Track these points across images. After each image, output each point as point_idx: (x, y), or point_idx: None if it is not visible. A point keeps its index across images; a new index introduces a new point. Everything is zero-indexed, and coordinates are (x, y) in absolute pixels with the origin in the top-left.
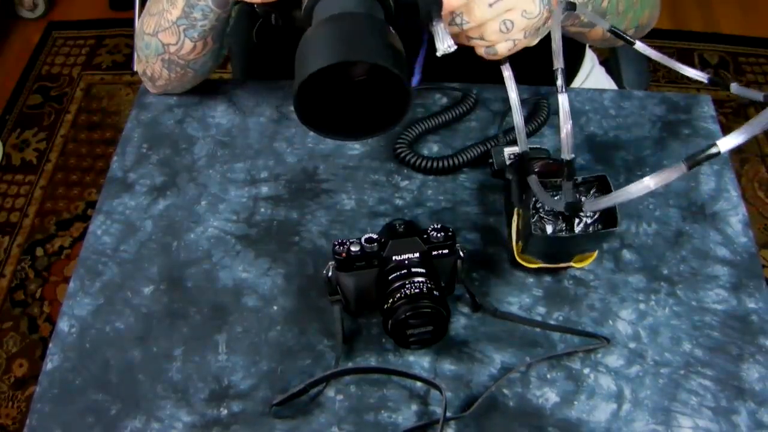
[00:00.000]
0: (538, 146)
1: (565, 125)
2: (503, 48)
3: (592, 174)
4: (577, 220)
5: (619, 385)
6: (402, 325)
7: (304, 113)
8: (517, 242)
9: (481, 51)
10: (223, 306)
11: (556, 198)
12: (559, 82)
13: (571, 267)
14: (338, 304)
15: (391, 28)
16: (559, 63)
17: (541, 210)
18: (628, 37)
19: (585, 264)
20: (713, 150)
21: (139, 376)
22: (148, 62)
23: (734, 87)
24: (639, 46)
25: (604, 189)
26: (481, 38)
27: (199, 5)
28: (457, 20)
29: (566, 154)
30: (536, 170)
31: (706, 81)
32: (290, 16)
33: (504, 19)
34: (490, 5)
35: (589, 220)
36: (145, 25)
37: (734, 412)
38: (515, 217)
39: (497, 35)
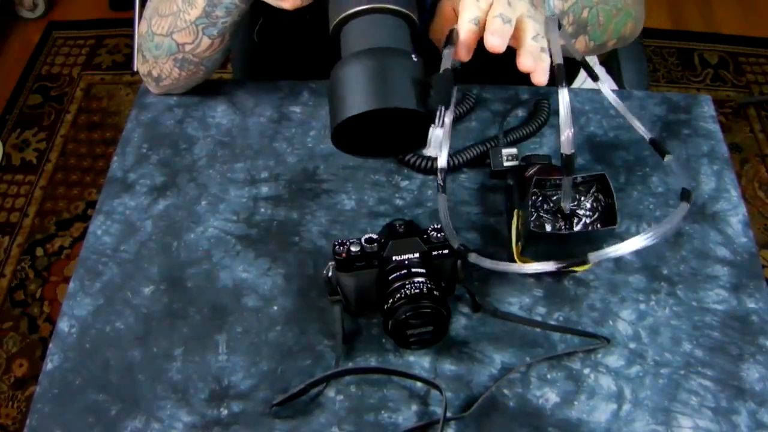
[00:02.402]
0: (538, 153)
1: (566, 123)
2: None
3: (592, 173)
4: (576, 219)
5: (619, 385)
6: (402, 325)
7: (341, 141)
8: (516, 243)
9: (546, 58)
10: (223, 306)
11: (555, 197)
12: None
13: (574, 271)
14: (338, 304)
15: (414, 57)
16: (558, 59)
17: (540, 209)
18: (594, 72)
19: (586, 267)
20: (582, 258)
21: (139, 376)
22: (156, 62)
23: (668, 158)
24: (604, 89)
25: (604, 188)
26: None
27: (223, 3)
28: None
29: (566, 150)
30: (533, 173)
31: (647, 139)
32: (324, 9)
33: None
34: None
35: (588, 220)
36: (155, 26)
37: (734, 412)
38: (515, 219)
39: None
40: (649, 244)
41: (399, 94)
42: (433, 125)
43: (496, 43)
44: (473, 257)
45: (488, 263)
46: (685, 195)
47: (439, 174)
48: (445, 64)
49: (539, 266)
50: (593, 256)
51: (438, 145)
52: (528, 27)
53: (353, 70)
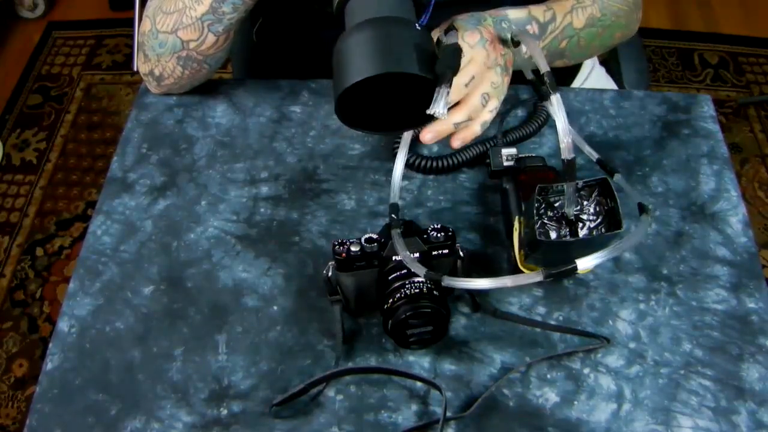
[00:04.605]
0: (532, 155)
1: (564, 128)
2: (490, 117)
3: (593, 175)
4: (580, 225)
5: (619, 385)
6: (402, 325)
7: (345, 114)
8: (519, 251)
9: (476, 129)
10: (223, 306)
11: (557, 203)
12: (548, 81)
13: (576, 273)
14: (338, 304)
15: (418, 26)
16: (544, 67)
17: (544, 216)
18: (549, 90)
19: (588, 269)
20: (572, 266)
21: (139, 376)
22: (159, 61)
23: (617, 177)
24: (554, 104)
25: (606, 192)
26: (470, 118)
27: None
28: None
29: (566, 155)
30: (523, 178)
31: (594, 159)
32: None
33: (482, 93)
34: (465, 85)
35: (592, 224)
36: (159, 23)
37: (734, 412)
38: (516, 226)
39: (479, 109)
40: (599, 262)
41: (402, 59)
42: (440, 86)
43: (427, 138)
44: (446, 280)
45: (461, 284)
46: (643, 210)
47: (390, 212)
48: (451, 40)
49: (491, 283)
50: (581, 263)
51: (442, 105)
52: (464, 108)
53: (354, 39)
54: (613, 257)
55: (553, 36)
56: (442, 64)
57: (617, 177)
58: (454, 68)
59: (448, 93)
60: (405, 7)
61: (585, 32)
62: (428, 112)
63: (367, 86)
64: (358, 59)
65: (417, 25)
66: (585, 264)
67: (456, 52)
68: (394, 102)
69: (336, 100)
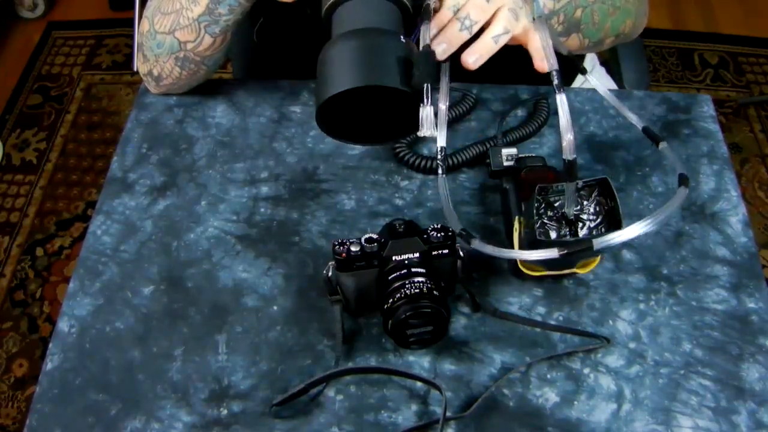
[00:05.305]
0: (532, 154)
1: (567, 128)
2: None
3: (593, 175)
4: (580, 224)
5: (619, 385)
6: (402, 325)
7: (326, 124)
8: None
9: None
10: (223, 306)
11: (557, 203)
12: (556, 82)
13: (575, 273)
14: (338, 304)
15: (402, 38)
16: (553, 65)
17: (544, 216)
18: (583, 67)
19: (588, 269)
20: (588, 245)
21: (139, 376)
22: (157, 61)
23: (662, 145)
24: (593, 82)
25: (606, 192)
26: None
27: (226, 1)
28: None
29: (568, 155)
30: (523, 178)
31: (639, 127)
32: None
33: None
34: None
35: (592, 224)
36: (157, 24)
37: (734, 412)
38: (516, 226)
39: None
40: (650, 230)
41: (383, 72)
42: (422, 104)
43: (439, 51)
44: (476, 243)
45: (490, 249)
46: (683, 181)
47: (438, 153)
48: (425, 40)
49: (542, 253)
50: (597, 242)
51: (430, 124)
52: (497, 22)
53: (337, 49)
54: (647, 231)
55: (567, 0)
56: (419, 76)
57: (662, 145)
58: (432, 75)
59: (430, 111)
60: (391, 19)
61: (597, 6)
62: (420, 134)
63: (349, 97)
64: (341, 70)
65: (401, 37)
66: (633, 233)
67: (429, 55)
68: (377, 113)
69: (317, 110)
